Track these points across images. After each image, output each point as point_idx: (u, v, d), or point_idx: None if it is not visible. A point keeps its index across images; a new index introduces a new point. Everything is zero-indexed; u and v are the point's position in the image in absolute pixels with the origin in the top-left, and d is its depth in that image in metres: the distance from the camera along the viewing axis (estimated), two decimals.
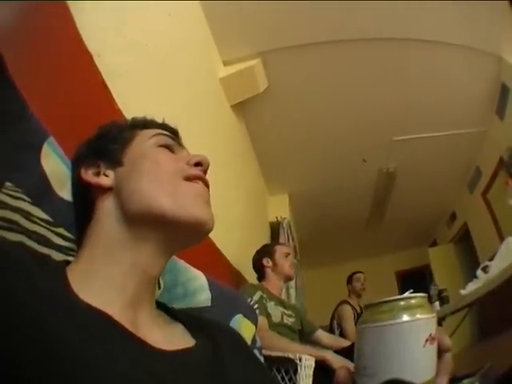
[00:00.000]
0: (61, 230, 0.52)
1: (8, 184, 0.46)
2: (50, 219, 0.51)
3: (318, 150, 3.90)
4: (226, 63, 2.68)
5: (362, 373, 0.38)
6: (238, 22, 2.45)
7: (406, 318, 0.37)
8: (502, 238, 3.92)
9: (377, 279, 6.65)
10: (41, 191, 0.51)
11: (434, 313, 0.39)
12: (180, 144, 0.62)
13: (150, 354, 0.40)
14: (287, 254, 2.30)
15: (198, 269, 0.94)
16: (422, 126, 3.77)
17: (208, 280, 0.93)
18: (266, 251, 2.31)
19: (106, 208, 0.50)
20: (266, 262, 2.23)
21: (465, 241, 5.59)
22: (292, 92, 3.12)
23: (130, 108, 1.21)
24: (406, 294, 0.39)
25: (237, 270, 2.45)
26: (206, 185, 0.56)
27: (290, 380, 1.51)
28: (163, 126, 0.62)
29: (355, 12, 2.50)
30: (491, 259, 2.11)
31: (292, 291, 3.61)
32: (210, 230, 0.51)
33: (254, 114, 3.24)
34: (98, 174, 0.52)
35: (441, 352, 0.39)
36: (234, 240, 2.61)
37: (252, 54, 2.68)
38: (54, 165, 0.55)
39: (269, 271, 2.22)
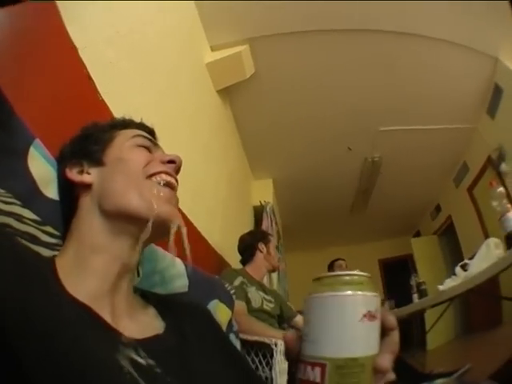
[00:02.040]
0: (48, 228, 0.56)
1: (1, 191, 0.50)
2: (39, 219, 0.55)
3: (304, 137, 3.92)
4: (213, 48, 2.68)
5: (305, 338, 0.40)
6: (226, 8, 2.44)
7: (345, 291, 0.39)
8: (486, 235, 3.99)
9: (360, 266, 6.91)
10: (29, 193, 0.55)
11: (376, 293, 0.40)
12: (156, 144, 0.67)
13: (123, 344, 0.45)
14: (276, 247, 2.40)
15: (179, 255, 0.99)
16: (410, 118, 3.80)
17: (186, 266, 0.97)
18: (262, 237, 2.34)
19: (88, 204, 0.56)
20: (261, 247, 2.27)
21: (449, 234, 5.61)
22: (279, 79, 3.12)
23: (115, 95, 1.23)
24: (351, 271, 0.41)
25: (219, 255, 2.47)
26: (176, 180, 0.62)
27: (267, 364, 1.55)
28: (141, 126, 0.68)
29: (347, 2, 2.51)
30: (471, 258, 2.15)
31: (274, 276, 3.65)
32: (175, 225, 0.56)
33: (240, 99, 3.24)
34: (81, 173, 0.58)
35: (385, 331, 0.41)
36: (217, 224, 2.63)
37: (240, 40, 2.68)
38: (40, 166, 0.59)
39: (260, 256, 2.25)
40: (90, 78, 1.08)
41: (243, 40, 2.69)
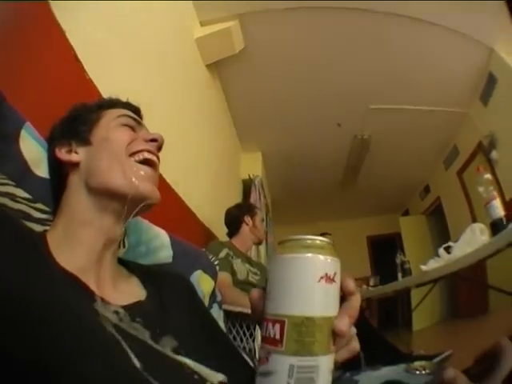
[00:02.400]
0: (39, 205, 0.62)
1: None
2: (30, 197, 0.60)
3: (293, 111, 3.91)
4: (202, 24, 2.65)
5: (267, 297, 0.42)
6: None
7: (304, 254, 0.40)
8: (474, 219, 4.03)
9: (349, 241, 6.84)
10: (21, 174, 0.60)
11: (336, 257, 0.42)
12: (140, 123, 0.70)
13: (107, 310, 0.49)
14: (263, 220, 2.42)
15: (169, 228, 1.04)
16: (401, 98, 3.80)
17: (170, 238, 1.02)
18: (248, 210, 2.36)
19: (76, 182, 0.59)
20: (247, 220, 2.29)
21: (437, 214, 5.65)
22: (269, 55, 3.10)
23: (104, 74, 1.25)
24: (313, 236, 0.42)
25: (207, 228, 2.52)
26: (157, 158, 0.66)
27: (250, 336, 1.59)
28: (127, 105, 0.71)
29: None
30: (456, 241, 2.13)
31: (262, 248, 3.69)
32: (154, 202, 0.61)
33: (230, 73, 3.23)
34: (70, 152, 0.61)
35: (345, 296, 0.42)
36: (206, 197, 2.67)
37: (230, 15, 2.64)
38: (31, 148, 0.64)
39: (246, 229, 2.28)
40: (77, 59, 1.10)
41: (233, 16, 2.65)
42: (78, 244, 0.55)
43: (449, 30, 2.93)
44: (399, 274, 3.05)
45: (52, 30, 1.02)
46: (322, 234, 2.20)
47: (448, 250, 2.11)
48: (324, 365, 0.39)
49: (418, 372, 1.16)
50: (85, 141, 0.62)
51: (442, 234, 5.35)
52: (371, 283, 4.00)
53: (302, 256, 0.40)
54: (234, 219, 2.34)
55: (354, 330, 0.44)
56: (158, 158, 0.66)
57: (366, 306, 3.85)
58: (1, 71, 0.73)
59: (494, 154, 3.67)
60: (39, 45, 0.96)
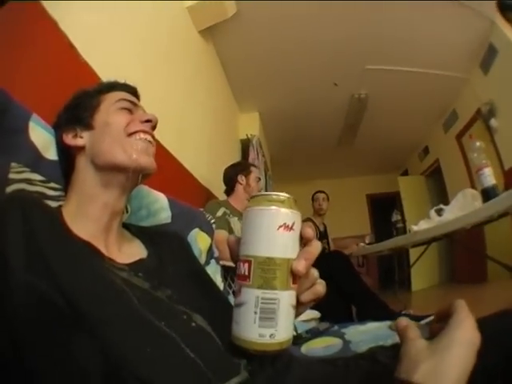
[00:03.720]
0: (52, 184, 0.72)
1: (13, 164, 0.65)
2: (44, 178, 0.71)
3: (290, 71, 3.88)
4: None
5: (240, 242, 0.49)
6: None
7: (268, 206, 0.47)
8: (472, 182, 4.03)
9: (348, 199, 6.93)
10: (35, 160, 0.70)
11: (295, 210, 0.48)
12: (136, 104, 0.78)
13: (116, 268, 0.59)
14: (259, 179, 2.45)
15: (168, 191, 1.14)
16: (398, 60, 3.75)
17: (169, 200, 1.13)
18: (242, 169, 2.41)
19: (83, 162, 0.69)
20: (241, 179, 2.35)
21: (436, 176, 5.65)
22: (263, 18, 3.06)
23: (97, 52, 1.29)
24: (277, 192, 0.49)
25: (206, 188, 2.61)
26: (152, 136, 0.74)
27: None
28: (125, 87, 0.79)
29: None
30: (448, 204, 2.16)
31: None
32: (151, 172, 0.71)
33: (224, 37, 3.21)
34: (75, 137, 0.70)
35: (306, 242, 0.49)
36: (204, 158, 2.75)
37: None
38: (40, 135, 0.73)
39: (240, 188, 2.34)
40: (72, 46, 1.16)
41: None
42: (88, 216, 0.65)
43: None
44: (394, 233, 3.10)
45: (44, 21, 1.07)
46: (317, 192, 2.30)
47: (439, 212, 2.14)
48: (284, 299, 0.47)
49: None
50: (88, 126, 0.70)
51: (440, 195, 5.39)
52: (366, 241, 4.01)
53: (265, 208, 0.47)
54: (229, 179, 2.40)
55: (316, 274, 0.50)
56: (153, 136, 0.75)
57: (363, 264, 3.98)
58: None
59: (493, 122, 3.66)
60: (33, 38, 1.02)
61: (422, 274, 5.06)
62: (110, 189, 0.68)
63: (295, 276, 0.47)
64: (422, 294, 4.77)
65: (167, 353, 0.50)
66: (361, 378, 0.53)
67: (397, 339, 0.49)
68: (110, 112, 0.72)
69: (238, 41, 3.32)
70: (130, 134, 0.70)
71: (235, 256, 0.51)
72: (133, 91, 0.80)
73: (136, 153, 0.68)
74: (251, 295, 0.46)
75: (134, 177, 0.69)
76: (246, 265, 0.47)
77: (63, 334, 0.44)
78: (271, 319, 0.46)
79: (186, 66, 2.56)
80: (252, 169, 2.45)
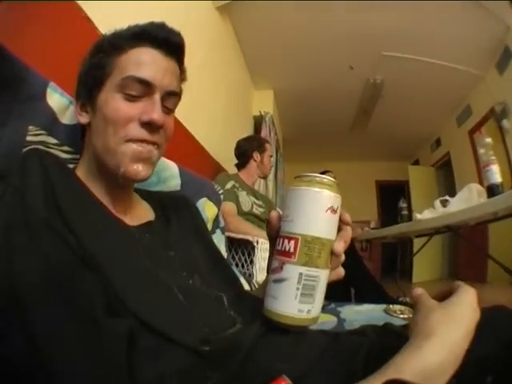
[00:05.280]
0: (65, 148, 0.75)
1: (30, 127, 0.68)
2: (58, 142, 0.73)
3: (306, 51, 3.84)
4: None
5: (284, 219, 0.52)
6: None
7: (316, 188, 0.50)
8: (480, 179, 4.01)
9: (357, 183, 6.95)
10: (51, 124, 0.73)
11: (339, 194, 0.52)
12: (149, 84, 0.62)
13: (125, 229, 0.62)
14: (271, 156, 2.46)
15: (180, 162, 1.16)
16: (416, 50, 3.71)
17: (179, 168, 1.15)
18: (258, 145, 2.41)
19: (91, 132, 0.66)
20: (256, 156, 2.36)
21: (446, 168, 5.63)
22: None
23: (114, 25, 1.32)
24: (324, 176, 0.52)
25: (217, 162, 2.65)
26: (153, 143, 0.64)
27: (251, 262, 1.74)
28: (158, 40, 0.64)
29: None
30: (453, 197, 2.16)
31: (270, 184, 3.84)
32: (141, 180, 0.64)
33: (241, 15, 3.19)
34: (81, 109, 0.67)
35: (342, 226, 0.53)
36: (216, 132, 2.78)
37: None
38: (57, 100, 0.75)
39: (254, 164, 2.37)
40: (88, 19, 1.17)
41: None
42: (100, 179, 0.65)
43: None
44: (399, 220, 3.11)
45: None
46: (324, 172, 2.31)
47: (444, 203, 2.16)
48: (323, 276, 0.51)
49: (394, 314, 1.29)
50: (90, 103, 0.65)
51: (448, 188, 5.39)
52: (371, 226, 4.09)
53: (316, 190, 0.50)
54: (244, 153, 2.41)
55: (343, 257, 0.54)
56: (155, 143, 0.64)
57: (366, 248, 4.03)
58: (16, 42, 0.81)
59: (505, 123, 3.63)
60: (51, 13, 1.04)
61: (425, 266, 5.14)
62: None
63: (332, 256, 0.51)
64: (421, 286, 4.75)
65: (164, 299, 0.53)
66: (351, 347, 0.55)
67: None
68: (109, 99, 0.61)
69: (255, 19, 3.29)
70: (127, 141, 0.61)
71: (274, 231, 0.54)
72: (170, 45, 0.65)
73: (124, 165, 0.61)
74: (295, 272, 0.49)
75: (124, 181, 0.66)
76: (292, 242, 0.50)
77: (72, 269, 0.46)
78: (311, 295, 0.49)
79: (202, 41, 2.55)
80: (267, 146, 2.46)
